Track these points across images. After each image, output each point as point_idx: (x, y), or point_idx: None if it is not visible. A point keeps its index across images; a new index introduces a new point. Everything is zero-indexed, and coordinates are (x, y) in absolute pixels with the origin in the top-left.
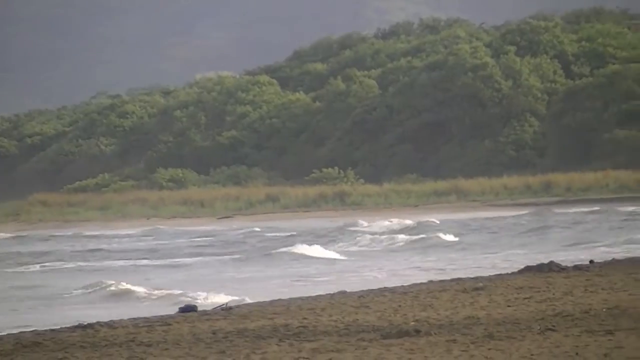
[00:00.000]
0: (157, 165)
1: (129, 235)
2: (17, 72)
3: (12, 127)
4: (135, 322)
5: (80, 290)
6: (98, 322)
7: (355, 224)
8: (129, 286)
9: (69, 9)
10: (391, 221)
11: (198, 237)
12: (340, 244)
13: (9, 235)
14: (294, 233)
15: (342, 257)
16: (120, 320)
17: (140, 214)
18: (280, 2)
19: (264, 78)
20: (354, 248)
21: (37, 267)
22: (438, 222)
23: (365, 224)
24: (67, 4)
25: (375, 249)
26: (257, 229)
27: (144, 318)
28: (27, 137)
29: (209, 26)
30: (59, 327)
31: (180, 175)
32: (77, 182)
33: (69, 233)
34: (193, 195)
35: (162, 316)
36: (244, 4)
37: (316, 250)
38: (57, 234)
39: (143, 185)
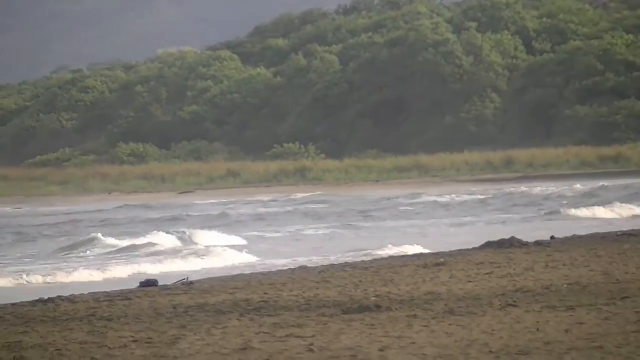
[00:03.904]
0: (118, 140)
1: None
2: None
3: None
4: (96, 297)
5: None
6: (59, 297)
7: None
8: None
9: None
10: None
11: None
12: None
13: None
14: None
15: None
16: (81, 295)
17: (101, 189)
18: None
19: (225, 53)
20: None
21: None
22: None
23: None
24: None
25: None
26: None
27: (105, 292)
28: None
29: (165, 2)
30: (19, 301)
31: (142, 150)
32: (38, 157)
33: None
34: (154, 170)
35: (122, 291)
36: None
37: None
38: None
39: (104, 160)
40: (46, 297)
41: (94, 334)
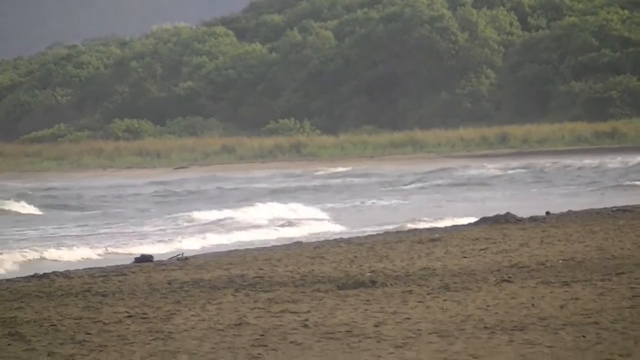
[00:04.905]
0: (113, 115)
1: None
2: None
3: None
4: (91, 272)
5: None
6: (54, 272)
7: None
8: None
9: None
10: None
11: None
12: None
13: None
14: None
15: None
16: (76, 270)
17: (96, 164)
18: None
19: (220, 29)
20: None
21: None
22: None
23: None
24: None
25: None
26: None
27: (100, 268)
28: None
29: None
30: (14, 277)
31: (136, 125)
32: (33, 133)
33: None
34: (149, 145)
35: (117, 266)
36: None
37: None
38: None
39: (99, 135)
40: (41, 273)
41: (88, 309)
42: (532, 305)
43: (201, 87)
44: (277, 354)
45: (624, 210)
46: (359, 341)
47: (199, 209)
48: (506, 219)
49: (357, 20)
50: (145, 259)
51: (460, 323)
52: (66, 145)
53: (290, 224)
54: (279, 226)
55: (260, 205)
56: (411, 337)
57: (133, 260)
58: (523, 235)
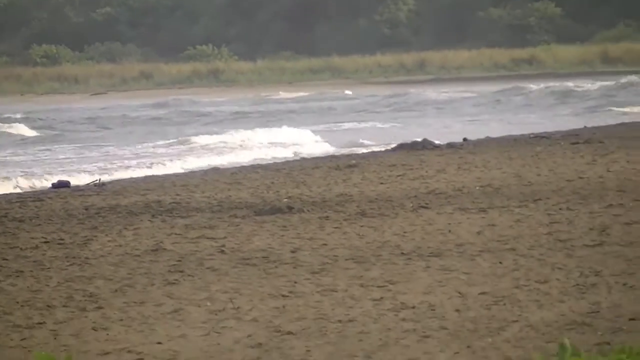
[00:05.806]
0: (32, 42)
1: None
2: None
3: None
4: (8, 198)
5: None
6: None
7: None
8: None
9: None
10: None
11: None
12: None
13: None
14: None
15: None
16: None
17: (14, 90)
18: None
19: None
20: None
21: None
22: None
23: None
24: None
25: None
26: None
27: (17, 194)
28: None
29: None
30: None
31: (54, 51)
32: None
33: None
34: (67, 71)
35: (34, 192)
36: None
37: None
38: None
39: (17, 62)
40: None
41: (5, 234)
42: (449, 231)
43: (119, 13)
44: (194, 280)
45: (541, 137)
46: (276, 267)
47: (181, 133)
48: (423, 145)
49: None
50: (62, 184)
51: (376, 249)
52: None
53: (290, 145)
54: (278, 148)
55: (249, 130)
56: (328, 263)
57: (50, 185)
58: (440, 162)
